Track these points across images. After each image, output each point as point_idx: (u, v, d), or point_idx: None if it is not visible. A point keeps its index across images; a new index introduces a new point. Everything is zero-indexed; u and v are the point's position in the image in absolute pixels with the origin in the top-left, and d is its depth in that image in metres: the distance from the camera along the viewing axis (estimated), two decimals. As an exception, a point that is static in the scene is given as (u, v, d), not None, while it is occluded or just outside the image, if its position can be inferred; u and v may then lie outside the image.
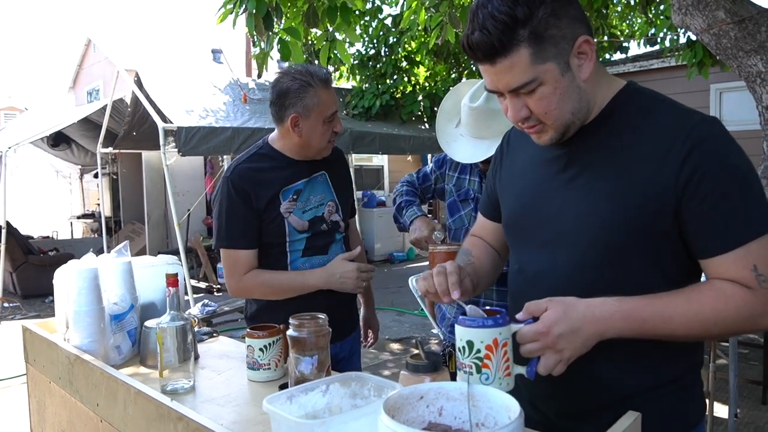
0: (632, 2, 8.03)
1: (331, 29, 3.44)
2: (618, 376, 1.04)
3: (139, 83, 6.10)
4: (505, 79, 0.98)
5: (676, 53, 6.76)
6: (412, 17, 4.04)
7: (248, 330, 1.50)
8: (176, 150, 5.21)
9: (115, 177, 9.24)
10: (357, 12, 5.49)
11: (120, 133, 7.32)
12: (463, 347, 0.93)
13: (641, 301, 0.97)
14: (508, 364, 0.94)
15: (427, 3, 3.67)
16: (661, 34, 8.08)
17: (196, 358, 1.69)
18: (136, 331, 1.72)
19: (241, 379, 1.50)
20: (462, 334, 0.94)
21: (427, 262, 2.07)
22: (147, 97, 5.81)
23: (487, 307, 1.02)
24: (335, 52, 3.59)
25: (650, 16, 8.21)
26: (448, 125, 2.04)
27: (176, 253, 7.52)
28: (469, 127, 1.90)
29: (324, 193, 1.85)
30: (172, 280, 1.41)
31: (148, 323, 1.67)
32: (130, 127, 7.01)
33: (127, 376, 1.38)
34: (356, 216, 2.17)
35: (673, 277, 1.02)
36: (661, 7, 7.88)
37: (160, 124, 5.20)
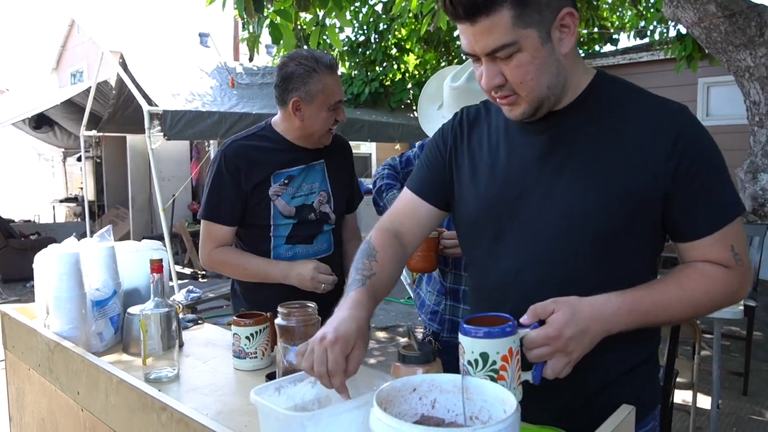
0: (623, -6, 8.02)
1: (321, 14, 3.38)
2: (602, 360, 1.01)
3: (124, 65, 5.98)
4: (483, 41, 0.94)
5: (666, 46, 6.78)
6: (403, 3, 3.99)
7: (234, 317, 1.47)
8: (162, 134, 5.13)
9: (99, 161, 9.09)
10: (347, -3, 5.42)
11: (104, 116, 7.19)
12: (476, 360, 0.87)
13: (640, 293, 0.97)
14: (519, 372, 0.90)
15: (420, -11, 3.62)
16: (651, 27, 8.09)
17: (181, 345, 1.66)
18: (119, 318, 1.68)
19: (227, 368, 1.47)
20: (473, 345, 0.87)
21: None
22: (132, 79, 5.70)
23: (492, 314, 0.94)
24: (325, 37, 3.53)
25: (640, 8, 8.22)
26: (431, 107, 2.01)
27: (161, 238, 7.42)
28: (450, 108, 1.87)
29: (318, 182, 1.82)
30: (157, 265, 1.37)
31: (131, 310, 1.63)
32: (115, 110, 6.89)
33: (109, 364, 1.34)
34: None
35: (653, 265, 1.07)
36: (652, 0, 7.89)
37: (146, 108, 5.11)
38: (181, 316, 1.94)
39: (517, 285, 1.07)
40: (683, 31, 6.38)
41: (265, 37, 3.12)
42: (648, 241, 1.04)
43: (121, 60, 6.03)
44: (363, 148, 11.70)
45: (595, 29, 8.45)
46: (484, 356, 0.87)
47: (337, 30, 3.33)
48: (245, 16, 2.79)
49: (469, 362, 0.88)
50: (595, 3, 7.81)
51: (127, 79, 5.72)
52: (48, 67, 16.84)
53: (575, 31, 0.97)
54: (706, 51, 5.36)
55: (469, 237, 1.18)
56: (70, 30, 16.24)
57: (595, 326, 0.93)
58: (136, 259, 1.86)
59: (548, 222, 1.04)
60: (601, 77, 1.06)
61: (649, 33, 8.10)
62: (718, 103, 7.62)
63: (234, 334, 1.45)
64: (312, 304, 1.21)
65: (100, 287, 1.64)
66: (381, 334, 5.20)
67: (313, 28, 3.23)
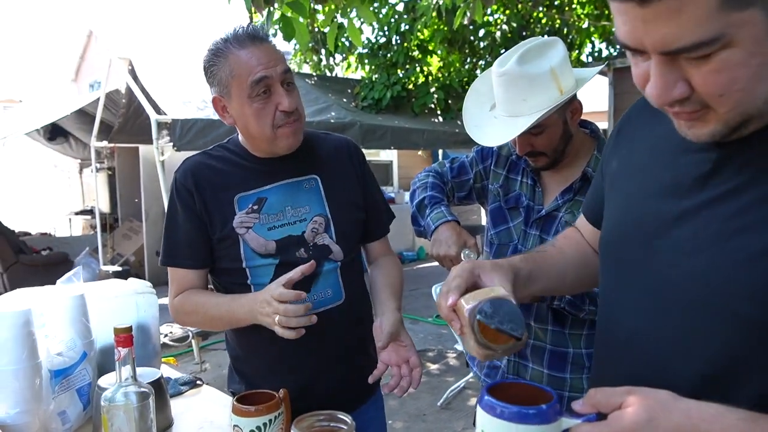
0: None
1: (341, 8, 2.99)
2: None
3: (133, 73, 5.67)
4: (661, 31, 0.58)
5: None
6: (426, 2, 3.58)
7: (234, 403, 1.07)
8: (171, 144, 4.79)
9: (111, 173, 8.85)
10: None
11: (115, 126, 6.91)
12: None
13: None
14: None
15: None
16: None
17: (169, 425, 1.27)
18: (90, 389, 1.30)
19: (226, 470, 1.08)
20: (487, 425, 0.66)
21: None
22: (141, 87, 5.38)
23: (530, 382, 0.73)
24: (342, 39, 3.15)
25: None
26: (481, 108, 1.58)
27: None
28: (500, 103, 1.44)
29: (310, 205, 1.34)
30: (124, 337, 0.98)
31: (103, 381, 1.25)
32: (125, 119, 6.59)
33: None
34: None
35: None
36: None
37: (153, 116, 4.78)
38: (173, 375, 1.57)
39: (624, 353, 0.79)
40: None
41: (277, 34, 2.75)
42: None
43: (130, 67, 5.73)
44: (383, 155, 11.31)
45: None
46: None
47: (358, 25, 2.94)
48: (253, 10, 2.42)
49: None
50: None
51: (134, 86, 5.41)
52: (67, 78, 16.85)
53: None
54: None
55: (601, 269, 0.90)
56: (89, 40, 16.22)
57: None
58: (117, 305, 1.50)
59: (685, 274, 0.71)
60: None
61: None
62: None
63: (234, 426, 1.05)
64: (348, 419, 0.80)
65: (64, 350, 1.26)
66: (409, 358, 4.78)
67: (332, 21, 2.84)
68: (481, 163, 1.65)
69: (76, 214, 10.91)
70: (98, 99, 7.01)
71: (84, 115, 7.76)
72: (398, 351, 1.26)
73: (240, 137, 1.39)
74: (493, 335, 0.67)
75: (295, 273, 1.17)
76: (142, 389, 1.00)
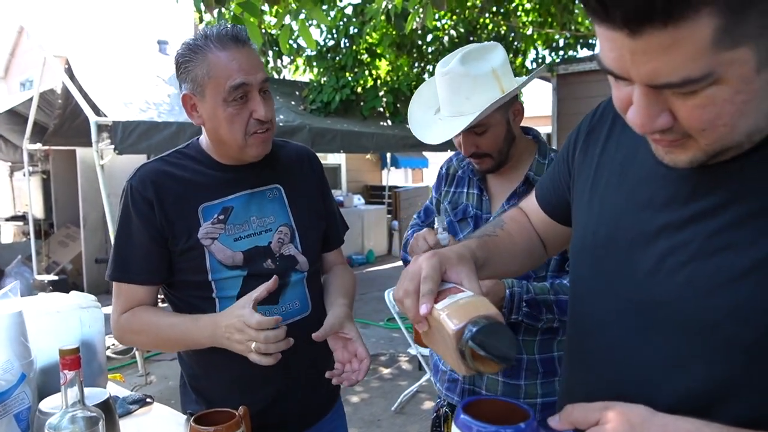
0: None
1: (293, 9, 2.94)
2: None
3: (69, 72, 5.41)
4: (650, 65, 0.56)
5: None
6: (383, 3, 3.59)
7: (192, 424, 1.02)
8: (112, 147, 4.59)
9: (45, 177, 8.41)
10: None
11: (50, 128, 6.57)
12: None
13: None
14: None
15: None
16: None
17: (118, 449, 1.20)
18: (30, 413, 1.21)
19: (182, 495, 1.02)
20: None
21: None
22: (78, 87, 5.14)
23: (503, 398, 0.73)
24: (291, 42, 3.10)
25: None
26: (425, 112, 1.61)
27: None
28: (444, 104, 1.47)
29: (275, 215, 1.32)
30: (71, 359, 0.91)
31: (44, 405, 1.16)
32: (62, 120, 6.28)
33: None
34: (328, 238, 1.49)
35: None
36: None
37: (92, 118, 4.56)
38: (121, 393, 1.49)
39: (605, 359, 0.77)
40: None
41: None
42: None
43: (66, 66, 5.46)
44: (331, 158, 11.25)
45: (567, 34, 8.24)
46: None
47: (308, 25, 2.89)
48: (203, 9, 2.34)
49: None
50: (571, 7, 7.57)
51: (71, 86, 5.15)
52: (-5, 77, 15.99)
53: None
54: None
55: (573, 276, 0.91)
56: (19, 37, 15.43)
57: None
58: (58, 321, 1.41)
59: (660, 299, 0.71)
60: None
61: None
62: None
63: (192, 448, 1.00)
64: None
65: (0, 373, 1.17)
66: (361, 363, 4.74)
67: (283, 24, 2.79)
68: (435, 193, 1.72)
69: (7, 220, 10.32)
70: (31, 99, 6.67)
71: (15, 116, 7.37)
72: (347, 346, 1.26)
73: (203, 140, 1.33)
74: (483, 359, 0.65)
75: (261, 292, 1.14)
76: (92, 414, 0.94)
